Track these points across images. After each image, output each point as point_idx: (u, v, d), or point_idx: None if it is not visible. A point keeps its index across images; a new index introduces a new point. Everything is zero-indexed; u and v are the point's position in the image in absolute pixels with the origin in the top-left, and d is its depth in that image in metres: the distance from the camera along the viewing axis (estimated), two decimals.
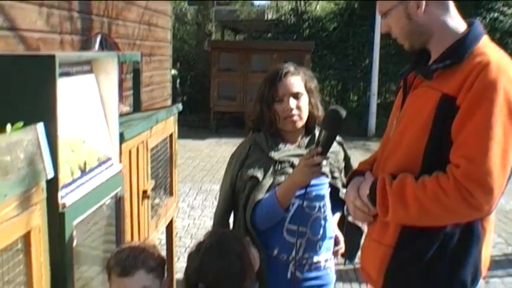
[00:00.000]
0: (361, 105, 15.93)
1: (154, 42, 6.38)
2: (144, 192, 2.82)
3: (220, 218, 2.60)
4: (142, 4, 5.88)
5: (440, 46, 1.99)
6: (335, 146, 2.62)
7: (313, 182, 2.43)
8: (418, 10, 1.97)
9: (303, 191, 2.32)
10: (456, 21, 2.01)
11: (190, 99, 17.94)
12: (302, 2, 19.70)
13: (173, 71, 18.53)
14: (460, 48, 1.92)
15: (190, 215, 6.96)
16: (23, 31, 3.31)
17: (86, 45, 4.40)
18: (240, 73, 14.43)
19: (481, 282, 5.02)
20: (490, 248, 2.05)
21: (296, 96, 2.46)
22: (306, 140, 2.57)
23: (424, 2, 1.96)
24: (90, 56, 2.21)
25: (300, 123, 2.49)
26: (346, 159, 2.70)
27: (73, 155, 2.01)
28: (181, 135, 14.04)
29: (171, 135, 3.53)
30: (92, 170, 2.15)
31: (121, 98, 5.17)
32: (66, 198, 1.88)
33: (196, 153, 11.15)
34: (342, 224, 2.64)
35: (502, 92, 1.78)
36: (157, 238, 3.26)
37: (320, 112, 2.55)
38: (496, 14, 15.72)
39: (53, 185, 1.79)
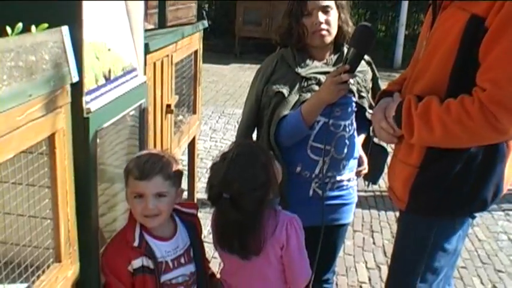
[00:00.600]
0: (388, 35, 15.59)
1: None
2: (168, 106, 2.81)
3: (244, 133, 2.60)
4: None
5: None
6: (363, 65, 2.57)
7: (339, 100, 2.40)
8: None
9: (328, 109, 2.29)
10: None
11: (215, 24, 17.72)
12: None
13: None
14: None
15: (212, 138, 6.99)
16: None
17: None
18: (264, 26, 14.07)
19: (502, 214, 5.01)
20: None
21: (325, 10, 2.40)
22: (334, 58, 2.52)
23: None
24: None
25: (329, 38, 2.44)
26: (375, 79, 2.66)
27: (98, 62, 1.98)
28: (205, 59, 13.92)
29: (195, 52, 3.50)
30: (116, 78, 2.13)
31: (146, 15, 5.09)
32: (91, 104, 1.86)
33: (219, 77, 11.09)
34: (367, 144, 2.62)
35: None
36: (179, 155, 3.27)
37: (350, 29, 2.49)
38: None
39: (77, 90, 1.77)
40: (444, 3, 1.99)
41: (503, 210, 5.28)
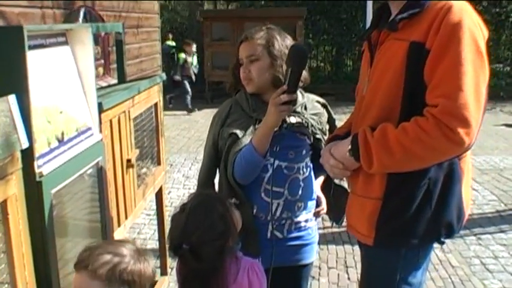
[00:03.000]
0: (356, 69, 15.87)
1: (141, 13, 6.33)
2: (128, 161, 2.86)
3: (205, 178, 2.64)
4: None
5: (401, 1, 2.03)
6: (318, 108, 2.64)
7: (292, 143, 2.47)
8: None
9: (280, 151, 2.36)
10: None
11: None
12: None
13: (172, 43, 18.49)
14: None
15: (185, 185, 7.01)
16: (2, 6, 3.30)
17: (69, 18, 4.38)
18: (232, 42, 14.26)
19: (474, 238, 5.09)
20: (469, 189, 2.13)
21: (250, 59, 2.47)
22: None
23: None
24: (63, 27, 2.22)
25: (251, 86, 2.50)
26: (331, 121, 2.70)
27: (50, 126, 2.04)
28: (177, 106, 14.02)
29: (155, 105, 3.55)
30: (70, 139, 2.18)
31: (108, 70, 5.18)
32: (44, 167, 1.91)
33: (191, 124, 11.19)
34: (328, 186, 2.66)
35: (467, 31, 1.84)
36: (144, 207, 3.30)
37: None
38: None
39: (28, 155, 1.82)
40: (381, 38, 2.07)
41: (475, 235, 5.36)
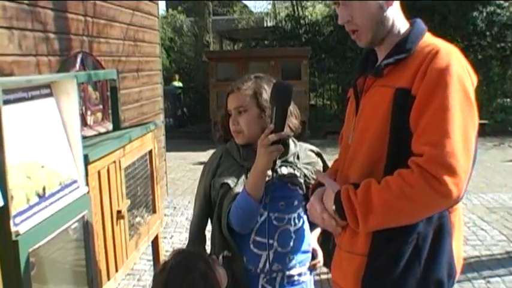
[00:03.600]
0: None
1: (142, 57, 6.33)
2: (119, 212, 2.79)
3: (196, 229, 2.57)
4: (126, 20, 5.85)
5: (388, 45, 1.97)
6: (312, 157, 2.58)
7: (283, 193, 2.39)
8: (390, 0, 1.94)
9: (270, 202, 2.28)
10: (402, 20, 2.01)
11: (191, 111, 17.98)
12: (299, 7, 19.72)
13: (178, 83, 18.66)
14: (407, 43, 1.91)
15: (188, 229, 6.90)
16: None
17: (65, 65, 4.37)
18: None
19: (482, 281, 4.94)
20: (461, 244, 2.01)
21: (239, 110, 2.43)
22: None
23: None
24: (45, 79, 2.18)
25: (241, 138, 2.45)
26: (326, 170, 2.64)
27: (29, 181, 1.98)
28: (183, 147, 14.04)
29: (150, 152, 3.50)
30: (52, 194, 2.12)
31: (107, 115, 5.16)
32: (21, 225, 1.85)
33: (197, 165, 11.13)
34: (327, 239, 2.55)
35: (455, 75, 1.77)
36: (138, 258, 3.22)
37: (288, 124, 2.48)
38: (493, 8, 15.63)
39: (4, 213, 1.76)
40: (366, 85, 2.00)
41: (484, 278, 5.22)
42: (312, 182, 2.48)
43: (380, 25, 1.96)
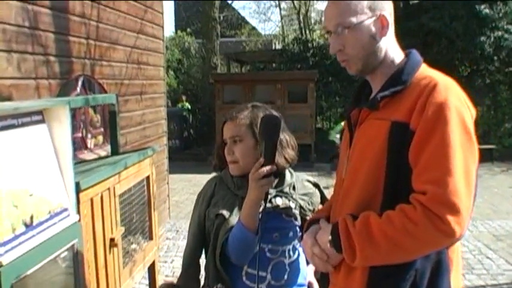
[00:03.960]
0: None
1: (145, 80, 6.32)
2: (112, 240, 2.74)
3: (189, 258, 2.52)
4: (130, 43, 5.85)
5: (382, 76, 1.94)
6: (309, 188, 2.54)
7: (277, 224, 2.35)
8: (382, 30, 1.90)
9: (264, 233, 2.23)
10: (396, 50, 1.98)
11: (197, 133, 17.98)
12: (306, 30, 19.81)
13: (186, 105, 18.71)
14: (403, 75, 1.88)
15: None
16: None
17: (66, 88, 4.35)
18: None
19: None
20: (460, 279, 1.95)
21: (234, 140, 2.39)
22: (275, 181, 2.47)
23: (390, 21, 1.91)
24: (31, 107, 2.15)
25: (236, 169, 2.41)
26: (324, 201, 2.59)
27: (16, 210, 1.94)
28: (188, 169, 13.99)
29: (147, 178, 3.46)
30: (41, 223, 2.08)
31: (107, 138, 5.13)
32: (5, 256, 1.80)
33: (200, 188, 11.07)
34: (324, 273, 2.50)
35: (454, 110, 1.74)
36: (132, 286, 3.16)
37: (284, 156, 2.44)
38: (500, 33, 15.61)
39: None
40: (361, 118, 1.96)
41: None
42: (308, 213, 2.43)
43: (372, 55, 1.92)
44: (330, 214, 2.07)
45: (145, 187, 3.46)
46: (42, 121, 2.26)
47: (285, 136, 2.45)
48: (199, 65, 22.43)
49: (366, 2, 1.90)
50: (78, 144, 4.79)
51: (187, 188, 11.27)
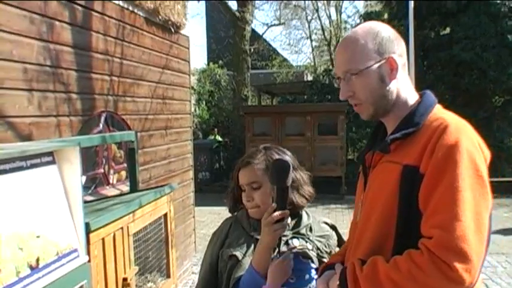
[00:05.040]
0: None
1: (171, 115, 6.36)
2: (125, 280, 2.73)
3: None
4: (155, 79, 5.91)
5: (396, 118, 1.90)
6: (326, 230, 2.51)
7: (294, 266, 2.31)
8: (391, 73, 1.87)
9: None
10: (410, 91, 1.94)
11: (228, 165, 18.01)
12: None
13: (217, 137, 18.84)
14: (415, 117, 1.84)
15: None
16: (12, 117, 3.31)
17: (88, 125, 4.40)
18: (274, 137, 14.49)
19: None
20: None
21: (253, 187, 2.38)
22: (292, 222, 2.45)
23: (399, 64, 1.87)
24: (39, 149, 2.16)
25: (257, 213, 2.39)
26: (341, 244, 2.55)
27: (21, 253, 1.94)
28: (217, 202, 13.96)
29: (165, 215, 3.45)
30: (47, 265, 2.07)
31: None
32: None
33: None
34: None
35: (465, 152, 1.68)
36: None
37: (303, 195, 2.43)
38: None
39: None
40: (374, 161, 1.93)
41: None
42: (325, 255, 2.40)
43: (382, 99, 1.89)
44: (345, 258, 2.03)
45: (163, 225, 3.45)
46: (53, 162, 2.28)
47: (300, 174, 2.44)
48: (230, 96, 22.58)
49: (373, 46, 1.87)
50: (100, 180, 4.82)
51: (216, 221, 11.23)
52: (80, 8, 4.21)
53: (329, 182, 13.71)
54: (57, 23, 3.85)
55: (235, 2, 19.93)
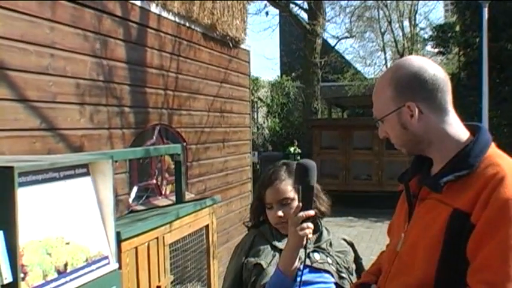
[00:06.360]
0: None
1: (229, 127, 6.48)
2: (158, 287, 2.84)
3: None
4: (212, 92, 6.05)
5: (442, 154, 1.82)
6: (344, 246, 2.53)
7: (314, 279, 2.35)
8: (412, 119, 1.80)
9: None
10: (457, 128, 1.84)
11: None
12: None
13: (295, 149, 18.99)
14: (470, 158, 1.75)
15: None
16: (65, 130, 3.50)
17: (142, 137, 4.56)
18: (342, 150, 14.43)
19: None
20: None
21: (283, 203, 2.42)
22: (314, 237, 2.49)
23: (417, 110, 1.79)
24: (68, 162, 2.30)
25: (287, 228, 2.43)
26: (357, 261, 2.57)
27: (49, 258, 2.08)
28: None
29: (207, 227, 3.55)
30: (76, 270, 2.21)
31: (186, 185, 5.29)
32: None
33: None
34: None
35: None
36: None
37: (323, 208, 2.48)
38: None
39: None
40: (421, 194, 1.85)
41: None
42: (343, 270, 2.42)
43: (410, 142, 1.84)
44: (378, 279, 2.02)
45: (205, 235, 3.55)
46: (87, 174, 2.42)
47: (316, 185, 2.48)
48: (300, 109, 22.63)
49: (390, 93, 1.82)
50: (153, 191, 4.99)
51: None
52: (134, 25, 4.40)
53: (397, 197, 13.47)
54: (111, 39, 4.05)
55: (306, 15, 20.03)
